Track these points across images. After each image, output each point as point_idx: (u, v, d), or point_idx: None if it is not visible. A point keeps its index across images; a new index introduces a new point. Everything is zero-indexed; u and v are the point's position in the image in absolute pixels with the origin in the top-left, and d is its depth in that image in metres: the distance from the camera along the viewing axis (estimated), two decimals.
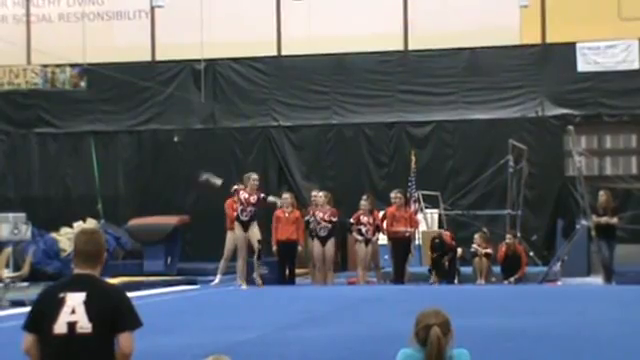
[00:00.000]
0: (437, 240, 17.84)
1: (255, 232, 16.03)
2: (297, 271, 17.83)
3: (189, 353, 8.21)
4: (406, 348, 4.59)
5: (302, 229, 17.19)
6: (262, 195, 16.24)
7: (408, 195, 18.55)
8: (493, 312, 11.56)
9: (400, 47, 21.99)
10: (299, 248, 17.05)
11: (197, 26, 21.38)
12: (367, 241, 17.24)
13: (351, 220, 17.33)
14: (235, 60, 22.48)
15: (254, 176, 16.27)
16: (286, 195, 17.74)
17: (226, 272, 16.93)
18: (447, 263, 17.59)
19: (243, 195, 15.95)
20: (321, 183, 20.06)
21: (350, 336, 9.42)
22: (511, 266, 17.70)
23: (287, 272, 17.12)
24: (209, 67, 22.28)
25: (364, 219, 17.23)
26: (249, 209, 15.98)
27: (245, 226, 15.96)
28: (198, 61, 22.11)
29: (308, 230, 17.33)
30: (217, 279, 16.92)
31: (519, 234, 18.82)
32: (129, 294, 4.89)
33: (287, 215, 17.13)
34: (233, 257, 17.05)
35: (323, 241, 17.09)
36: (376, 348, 8.18)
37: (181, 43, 22.19)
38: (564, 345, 8.75)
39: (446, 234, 18.11)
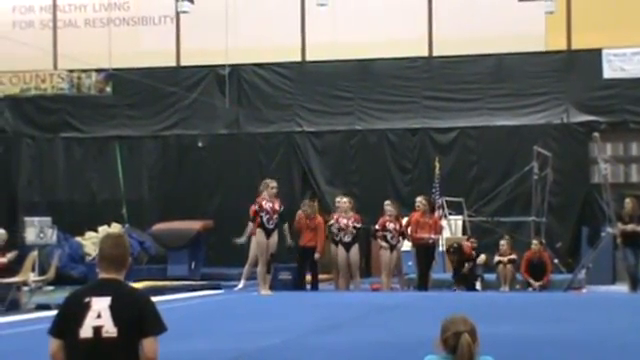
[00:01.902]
0: (452, 248, 17.79)
1: (275, 241, 15.95)
2: (320, 277, 17.83)
3: (212, 358, 8.22)
4: (431, 355, 4.58)
5: (322, 235, 17.19)
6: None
7: (432, 201, 18.49)
8: (517, 319, 11.50)
9: (424, 53, 21.96)
10: (316, 255, 17.04)
11: (222, 31, 21.46)
12: (392, 247, 17.21)
13: (377, 227, 17.30)
14: (259, 65, 22.54)
15: (273, 184, 16.07)
16: (306, 201, 17.82)
17: (250, 277, 16.95)
18: (467, 271, 17.55)
19: (268, 204, 15.77)
20: (345, 188, 20.04)
21: (373, 342, 9.40)
22: (536, 273, 17.61)
23: (309, 278, 17.15)
24: (233, 72, 22.35)
25: (390, 225, 17.19)
26: (275, 217, 15.85)
27: (268, 234, 15.91)
28: (223, 66, 22.19)
29: (330, 236, 17.31)
30: (241, 284, 16.94)
31: (543, 240, 18.70)
32: (153, 299, 4.91)
33: (308, 221, 17.16)
34: (257, 262, 17.07)
35: (347, 247, 17.07)
36: (400, 354, 8.17)
37: (206, 48, 22.26)
38: (589, 354, 8.70)
39: (467, 244, 18.03)
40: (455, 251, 17.70)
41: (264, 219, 15.72)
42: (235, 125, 22.51)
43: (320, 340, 9.72)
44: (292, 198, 19.08)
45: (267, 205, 15.73)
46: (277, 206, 15.86)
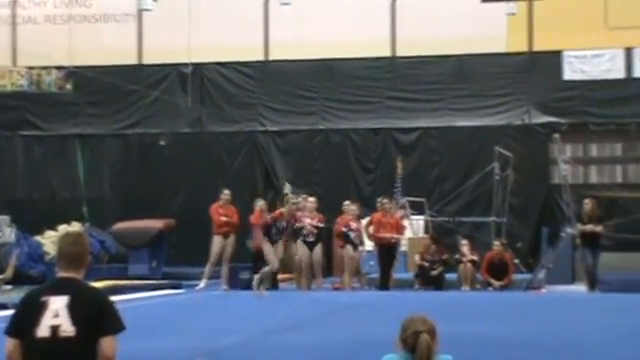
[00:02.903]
0: (429, 252, 17.82)
1: (279, 251, 15.88)
2: (282, 277, 17.82)
3: (172, 357, 8.18)
4: (391, 354, 4.59)
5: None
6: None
7: (394, 201, 18.56)
8: (477, 319, 11.57)
9: (387, 53, 22.03)
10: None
11: (185, 30, 21.35)
12: (354, 247, 17.24)
13: (344, 229, 17.30)
14: (222, 64, 22.47)
15: (294, 200, 16.18)
16: (261, 202, 17.77)
17: (211, 276, 16.90)
18: (437, 274, 17.63)
19: (281, 224, 15.76)
20: (308, 188, 20.02)
21: (334, 341, 9.41)
22: (498, 273, 17.74)
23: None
24: (196, 71, 22.26)
25: (353, 225, 17.23)
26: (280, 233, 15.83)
27: (273, 242, 15.75)
28: (185, 65, 22.09)
29: (293, 235, 17.30)
30: (202, 283, 16.88)
31: (505, 241, 18.84)
32: (113, 298, 4.87)
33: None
34: (218, 262, 17.03)
35: (311, 246, 17.07)
36: (360, 353, 8.18)
37: (168, 46, 22.13)
38: (547, 353, 8.77)
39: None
40: (430, 256, 17.77)
41: (273, 231, 15.65)
42: (198, 124, 22.41)
43: (281, 339, 9.71)
44: (254, 198, 18.94)
45: (280, 224, 15.73)
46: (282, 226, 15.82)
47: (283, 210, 15.47)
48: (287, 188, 16.78)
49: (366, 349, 8.16)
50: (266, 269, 15.33)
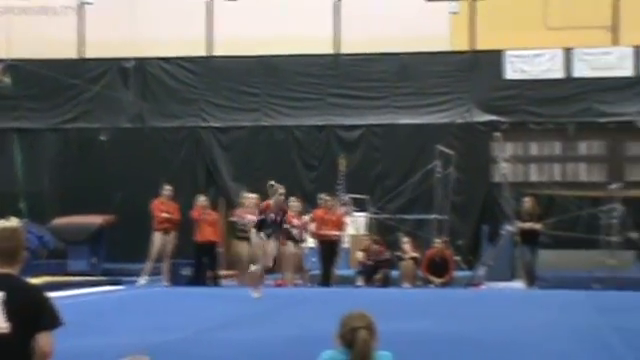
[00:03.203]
0: (371, 251, 17.89)
1: (272, 247, 14.48)
2: (224, 273, 17.77)
3: (110, 353, 8.07)
4: (330, 350, 4.59)
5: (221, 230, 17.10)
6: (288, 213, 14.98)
7: (336, 198, 18.60)
8: (418, 316, 11.64)
9: (331, 50, 22.06)
10: (219, 250, 16.99)
11: (127, 24, 21.13)
12: (296, 243, 17.25)
13: (287, 226, 17.28)
14: (165, 59, 22.27)
15: (282, 190, 14.49)
16: (202, 198, 17.71)
17: (152, 273, 16.77)
18: (381, 276, 17.73)
19: (270, 216, 14.14)
20: (250, 185, 19.95)
21: (276, 337, 9.39)
22: (439, 270, 17.89)
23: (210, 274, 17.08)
24: (138, 66, 22.04)
25: (295, 221, 17.23)
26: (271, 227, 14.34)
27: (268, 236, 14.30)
28: (127, 59, 21.85)
29: (235, 232, 17.27)
30: (142, 280, 16.74)
31: (446, 238, 19.00)
32: (52, 294, 4.79)
33: (205, 217, 17.12)
34: (159, 258, 16.92)
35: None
36: (301, 349, 8.16)
37: (110, 40, 21.89)
38: (486, 349, 8.85)
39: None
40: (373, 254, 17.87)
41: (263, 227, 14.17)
42: (139, 119, 22.19)
43: (221, 335, 9.66)
44: (196, 194, 18.84)
45: (269, 216, 14.17)
46: (278, 218, 14.33)
47: (270, 202, 14.28)
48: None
49: (307, 345, 8.15)
50: (253, 268, 14.40)
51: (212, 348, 8.76)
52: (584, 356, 8.50)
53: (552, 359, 8.40)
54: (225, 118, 21.97)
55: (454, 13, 20.71)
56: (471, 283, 17.70)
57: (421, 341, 9.14)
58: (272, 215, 14.18)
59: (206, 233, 17.28)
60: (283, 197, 14.53)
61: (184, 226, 17.69)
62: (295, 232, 17.25)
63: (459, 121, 21.10)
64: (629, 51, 20.65)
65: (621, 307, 12.86)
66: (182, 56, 22.20)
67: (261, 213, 14.33)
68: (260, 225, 14.19)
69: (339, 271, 17.89)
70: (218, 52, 22.34)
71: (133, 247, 18.47)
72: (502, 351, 8.78)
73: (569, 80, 20.85)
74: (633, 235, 17.53)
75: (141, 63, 22.07)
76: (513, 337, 9.66)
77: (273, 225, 14.16)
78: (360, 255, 17.98)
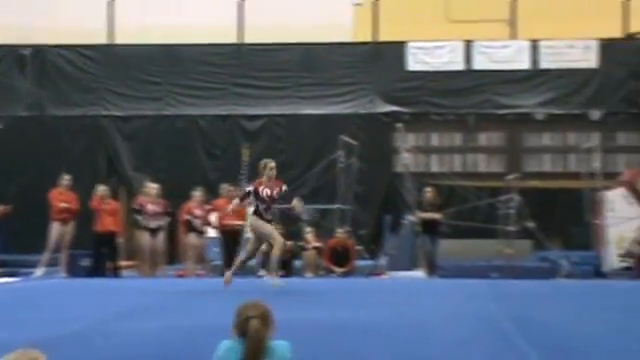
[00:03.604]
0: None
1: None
2: (124, 263, 17.54)
3: (5, 348, 7.86)
4: (227, 340, 4.58)
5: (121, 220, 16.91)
6: (284, 187, 13.33)
7: (239, 189, 18.52)
8: (319, 305, 11.69)
9: (235, 40, 21.95)
10: (119, 240, 16.78)
11: (24, 10, 20.60)
12: (198, 234, 17.13)
13: (187, 216, 17.16)
14: (64, 47, 21.80)
15: (272, 164, 13.30)
16: (102, 188, 17.46)
17: (49, 264, 16.44)
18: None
19: (265, 191, 13.06)
20: (152, 175, 19.74)
21: (175, 328, 9.30)
22: (341, 260, 18.00)
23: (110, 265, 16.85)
24: (36, 53, 21.53)
25: (197, 212, 17.11)
26: (272, 206, 13.38)
27: (269, 221, 13.38)
28: (24, 46, 21.32)
29: (135, 222, 17.07)
30: (39, 271, 16.41)
31: (349, 228, 19.14)
32: None
33: (105, 206, 16.88)
34: (57, 249, 16.59)
35: (154, 233, 16.85)
36: (201, 340, 8.10)
37: (6, 27, 21.31)
38: (386, 337, 8.94)
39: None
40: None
41: (261, 208, 13.13)
42: (37, 107, 21.68)
43: (120, 327, 9.52)
44: (96, 184, 18.52)
45: (265, 192, 13.05)
46: (276, 193, 13.15)
47: (262, 179, 13.13)
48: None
49: (207, 335, 8.09)
50: (274, 256, 13.25)
51: (111, 339, 8.62)
52: (481, 343, 8.66)
53: (450, 346, 8.53)
54: (127, 107, 21.65)
55: (358, 5, 20.82)
56: (373, 272, 17.88)
57: (321, 330, 9.17)
58: (267, 190, 13.04)
59: (106, 223, 17.04)
60: (274, 172, 13.27)
61: (84, 216, 17.39)
62: (197, 222, 17.13)
63: (362, 112, 21.25)
64: (526, 45, 21.12)
65: (517, 295, 13.16)
66: (82, 44, 21.77)
67: (255, 193, 13.04)
68: (256, 212, 13.03)
69: None
70: (120, 40, 21.98)
71: (30, 238, 18.06)
72: (401, 338, 8.87)
73: (469, 72, 21.21)
74: (530, 225, 17.95)
75: (39, 50, 21.57)
76: (413, 325, 9.78)
77: (268, 201, 13.08)
78: (263, 245, 17.94)
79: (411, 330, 9.45)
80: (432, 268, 17.66)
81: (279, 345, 4.59)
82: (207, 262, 17.77)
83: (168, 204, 17.55)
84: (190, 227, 17.22)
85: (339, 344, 8.54)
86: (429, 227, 17.84)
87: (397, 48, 21.30)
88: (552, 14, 21.00)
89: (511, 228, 18.04)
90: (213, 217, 17.50)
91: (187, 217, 17.26)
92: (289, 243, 18.07)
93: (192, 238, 17.14)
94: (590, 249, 18.97)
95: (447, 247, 18.20)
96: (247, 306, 4.56)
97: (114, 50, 21.99)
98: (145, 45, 21.66)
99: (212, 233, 17.77)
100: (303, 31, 21.31)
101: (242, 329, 4.47)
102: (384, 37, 21.62)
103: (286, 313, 9.10)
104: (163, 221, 17.35)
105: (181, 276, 17.32)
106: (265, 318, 4.52)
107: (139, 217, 17.14)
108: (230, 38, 21.89)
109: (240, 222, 17.38)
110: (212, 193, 18.36)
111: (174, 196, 18.16)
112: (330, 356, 7.91)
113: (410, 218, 18.57)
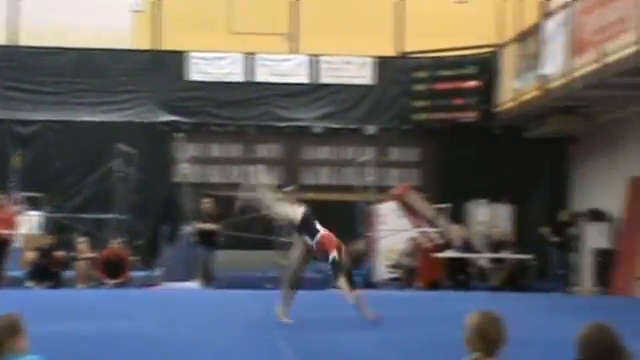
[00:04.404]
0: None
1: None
2: None
3: None
4: None
5: None
6: None
7: (8, 196, 17.77)
8: (88, 316, 11.36)
9: (6, 42, 21.08)
10: None
11: None
12: None
13: None
14: None
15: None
16: None
17: None
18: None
19: None
20: None
21: None
22: (114, 270, 17.60)
23: None
24: None
25: None
26: None
27: None
28: None
29: None
30: None
31: (125, 238, 18.76)
32: None
33: None
34: None
35: None
36: None
37: None
38: (156, 346, 8.82)
39: None
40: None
41: None
42: None
43: None
44: None
45: None
46: None
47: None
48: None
49: None
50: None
51: None
52: (248, 351, 8.74)
53: (218, 356, 8.53)
54: None
55: (138, 11, 20.51)
56: (148, 283, 17.60)
57: (89, 340, 8.94)
58: None
59: None
60: None
61: None
62: None
63: (141, 120, 20.92)
64: (306, 59, 21.55)
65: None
66: None
67: None
68: None
69: (11, 272, 17.09)
70: None
71: None
72: (170, 348, 8.79)
73: (250, 84, 21.37)
74: None
75: None
76: (184, 335, 9.72)
77: None
78: (31, 255, 17.30)
79: (181, 339, 9.38)
80: (208, 279, 17.62)
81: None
82: None
83: None
84: None
85: (105, 356, 8.33)
86: (206, 238, 17.80)
87: (178, 57, 21.15)
88: (332, 30, 21.53)
89: (286, 239, 18.26)
90: None
91: None
92: (60, 254, 17.55)
93: None
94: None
95: (224, 258, 18.20)
96: None
97: None
98: None
99: None
100: (81, 35, 20.74)
101: None
102: (166, 46, 21.40)
103: (52, 325, 8.80)
104: None
105: None
106: (10, 329, 4.33)
107: None
108: (1, 39, 20.99)
109: (8, 231, 16.64)
110: None
111: None
112: None
113: (188, 229, 18.44)
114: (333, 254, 10.22)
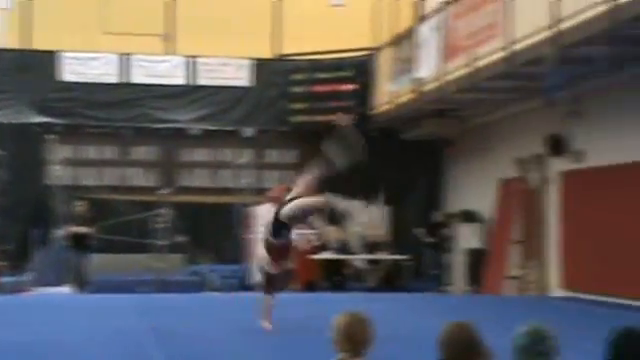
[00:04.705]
0: None
1: None
2: None
3: None
4: None
5: None
6: None
7: None
8: None
9: None
10: None
11: None
12: None
13: None
14: None
15: None
16: None
17: None
18: None
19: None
20: None
21: None
22: None
23: None
24: None
25: None
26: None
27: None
28: None
29: None
30: None
31: None
32: None
33: None
34: None
35: None
36: None
37: None
38: (23, 354, 8.57)
39: None
40: None
41: None
42: None
43: None
44: None
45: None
46: None
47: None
48: None
49: None
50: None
51: None
52: (117, 357, 8.57)
53: None
54: None
55: (5, 9, 19.89)
56: (17, 289, 17.08)
57: None
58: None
59: None
60: None
61: None
62: None
63: (10, 121, 20.30)
64: (182, 60, 21.33)
65: (162, 308, 13.18)
66: None
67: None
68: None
69: None
70: None
71: None
72: (38, 355, 8.56)
73: (125, 85, 21.00)
74: (181, 239, 18.09)
75: None
76: (52, 341, 9.46)
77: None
78: None
79: (49, 346, 9.14)
80: (81, 283, 17.23)
81: None
82: None
83: None
84: None
85: None
86: (79, 241, 17.42)
87: (49, 57, 20.60)
88: (209, 31, 21.34)
89: (162, 242, 18.05)
90: None
91: None
92: None
93: None
94: (240, 263, 19.45)
95: (98, 262, 17.84)
96: None
97: None
98: None
99: None
100: None
101: None
102: (37, 45, 20.82)
103: None
104: None
105: None
106: None
107: None
108: None
109: None
110: None
111: None
112: None
113: (60, 232, 17.99)
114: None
